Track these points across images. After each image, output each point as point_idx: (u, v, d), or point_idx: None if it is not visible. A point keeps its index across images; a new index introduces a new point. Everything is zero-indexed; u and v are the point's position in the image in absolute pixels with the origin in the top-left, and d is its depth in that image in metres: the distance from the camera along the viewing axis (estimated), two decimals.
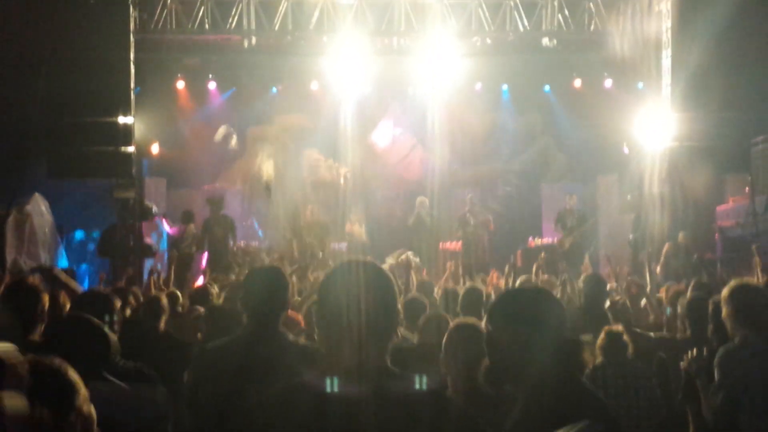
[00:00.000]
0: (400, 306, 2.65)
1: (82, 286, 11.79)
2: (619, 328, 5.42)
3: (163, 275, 10.95)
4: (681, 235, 14.25)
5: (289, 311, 6.03)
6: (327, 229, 17.59)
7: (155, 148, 17.53)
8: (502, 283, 10.49)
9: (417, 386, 2.48)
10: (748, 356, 4.50)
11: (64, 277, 9.64)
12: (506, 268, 10.08)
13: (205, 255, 16.12)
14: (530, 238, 18.66)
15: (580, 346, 2.98)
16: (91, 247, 16.65)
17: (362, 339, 2.47)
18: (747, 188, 14.53)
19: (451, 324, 4.26)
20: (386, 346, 2.54)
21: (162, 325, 6.56)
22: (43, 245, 14.50)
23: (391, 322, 2.57)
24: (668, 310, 7.41)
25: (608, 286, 8.07)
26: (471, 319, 4.33)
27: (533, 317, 2.91)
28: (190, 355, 5.39)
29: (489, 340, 2.97)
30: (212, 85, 19.97)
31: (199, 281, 13.03)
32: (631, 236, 16.12)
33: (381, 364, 2.50)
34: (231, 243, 16.09)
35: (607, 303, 7.29)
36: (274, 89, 20.54)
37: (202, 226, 16.32)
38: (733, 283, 4.86)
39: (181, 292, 8.80)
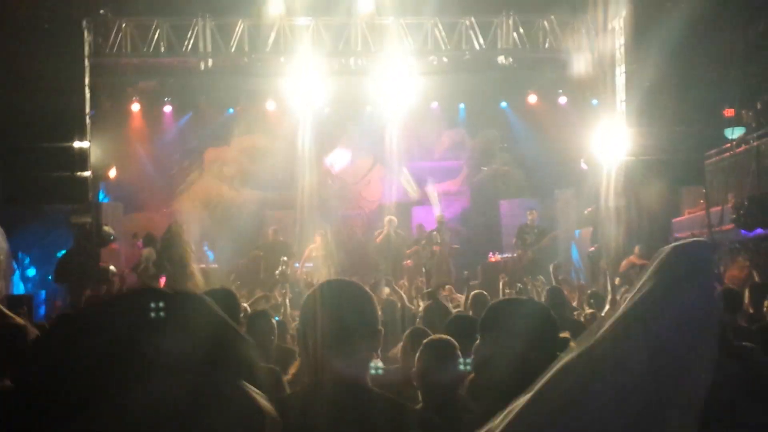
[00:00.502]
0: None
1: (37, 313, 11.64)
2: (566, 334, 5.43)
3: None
4: (636, 249, 14.42)
5: None
6: (289, 249, 17.52)
7: (112, 173, 17.34)
8: (457, 297, 10.58)
9: (394, 407, 2.47)
10: None
11: None
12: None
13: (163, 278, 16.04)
14: (490, 254, 18.73)
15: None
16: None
17: (342, 357, 2.46)
18: (702, 201, 14.75)
19: (424, 341, 4.22)
20: (366, 366, 2.53)
21: None
22: None
23: (372, 342, 2.55)
24: None
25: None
26: (444, 336, 4.30)
27: (521, 330, 2.81)
28: None
29: (476, 353, 2.91)
30: (169, 108, 19.87)
31: None
32: (590, 249, 16.27)
33: (360, 383, 2.49)
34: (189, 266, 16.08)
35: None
36: (231, 110, 20.48)
37: (159, 248, 16.21)
38: None
39: None
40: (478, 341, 2.94)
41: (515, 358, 2.72)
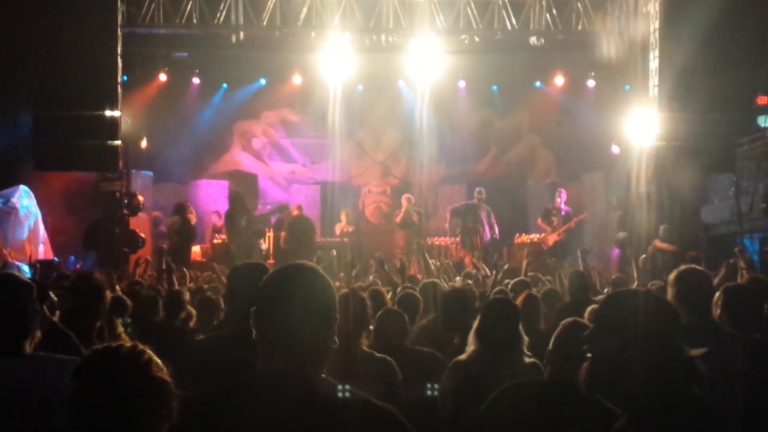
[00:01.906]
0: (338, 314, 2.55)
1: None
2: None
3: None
4: (661, 229, 14.33)
5: None
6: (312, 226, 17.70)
7: (143, 143, 17.45)
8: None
9: (347, 398, 2.43)
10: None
11: None
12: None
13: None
14: (516, 235, 18.71)
15: (690, 360, 2.73)
16: None
17: (295, 346, 2.44)
18: (733, 188, 14.63)
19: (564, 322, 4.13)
20: (322, 356, 2.48)
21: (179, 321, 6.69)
22: (29, 238, 14.46)
23: (327, 332, 2.49)
24: None
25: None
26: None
27: (638, 326, 2.70)
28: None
29: (590, 346, 2.78)
30: (199, 80, 19.93)
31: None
32: (619, 235, 16.17)
33: (313, 373, 2.44)
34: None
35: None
36: (262, 84, 20.52)
37: (225, 216, 16.93)
38: (682, 267, 4.91)
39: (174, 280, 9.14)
40: (593, 329, 2.83)
41: (620, 357, 2.69)
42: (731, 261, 8.70)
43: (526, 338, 4.31)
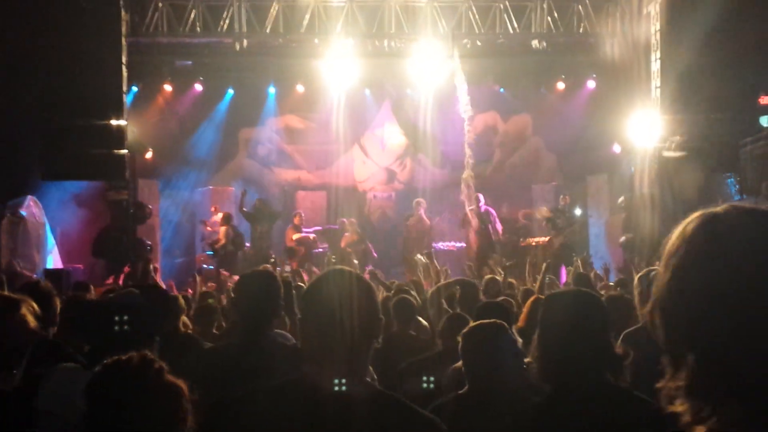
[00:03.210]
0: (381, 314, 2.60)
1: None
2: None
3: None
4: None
5: None
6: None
7: (149, 154, 17.52)
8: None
9: (387, 405, 2.45)
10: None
11: None
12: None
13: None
14: (521, 238, 18.73)
15: (618, 355, 3.11)
16: None
17: (331, 351, 2.44)
18: (736, 188, 14.66)
19: (470, 324, 4.22)
20: (360, 360, 2.49)
21: (180, 324, 6.71)
22: (37, 247, 14.54)
23: (371, 333, 2.50)
24: None
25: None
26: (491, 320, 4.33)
27: (573, 321, 3.06)
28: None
29: (537, 339, 3.11)
30: (203, 87, 19.96)
31: None
32: (622, 238, 16.18)
33: (351, 378, 2.42)
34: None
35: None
36: (266, 91, 20.58)
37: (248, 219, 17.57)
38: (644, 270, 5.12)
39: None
40: (539, 331, 3.15)
41: (557, 349, 3.05)
42: None
43: (519, 339, 4.38)
